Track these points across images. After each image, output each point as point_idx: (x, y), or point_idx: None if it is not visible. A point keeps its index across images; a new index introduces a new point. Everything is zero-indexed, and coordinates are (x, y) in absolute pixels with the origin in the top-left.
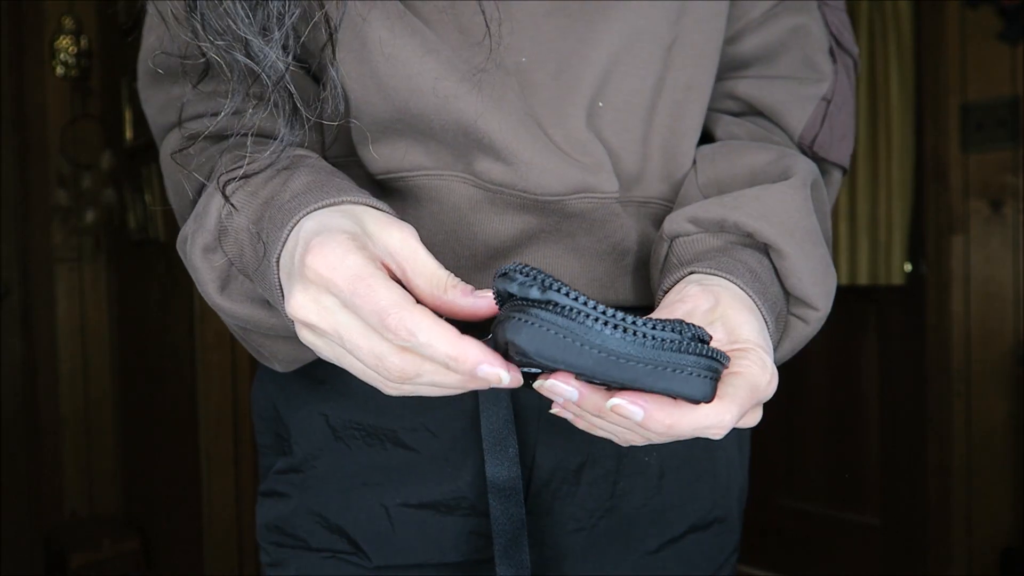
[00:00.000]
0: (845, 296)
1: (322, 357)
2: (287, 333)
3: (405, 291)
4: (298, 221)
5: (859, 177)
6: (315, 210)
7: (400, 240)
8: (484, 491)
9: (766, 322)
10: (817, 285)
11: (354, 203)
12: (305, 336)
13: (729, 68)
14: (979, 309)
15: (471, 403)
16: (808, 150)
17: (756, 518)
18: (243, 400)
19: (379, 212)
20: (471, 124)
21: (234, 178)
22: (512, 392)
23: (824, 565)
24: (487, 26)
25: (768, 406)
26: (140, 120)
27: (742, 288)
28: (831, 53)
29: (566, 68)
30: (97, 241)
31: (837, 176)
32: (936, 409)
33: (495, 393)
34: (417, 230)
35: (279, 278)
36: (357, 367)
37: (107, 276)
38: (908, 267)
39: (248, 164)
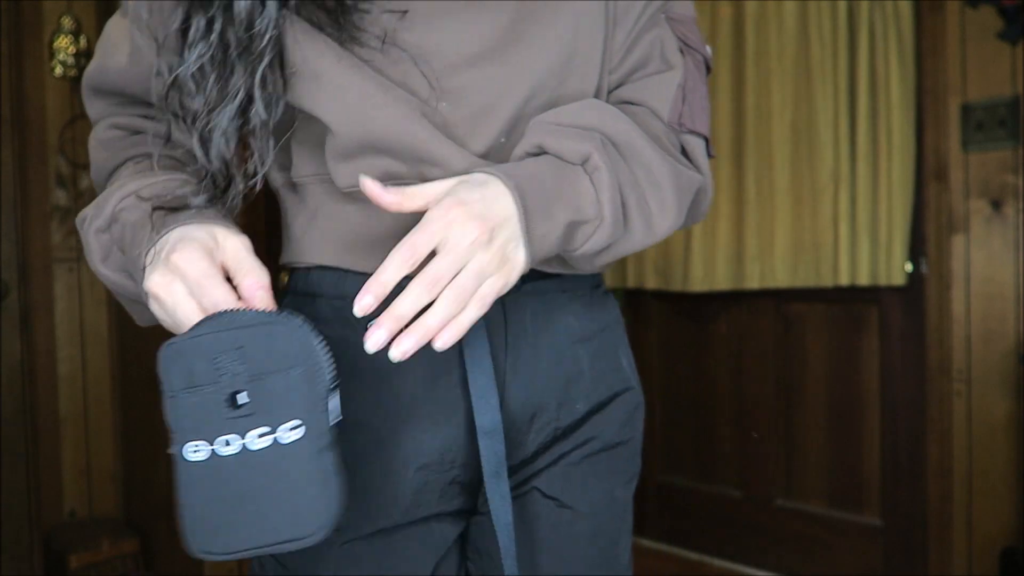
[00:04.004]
0: (845, 296)
1: (158, 318)
2: (143, 300)
3: (230, 289)
4: (169, 231)
5: (859, 177)
6: (182, 224)
7: (234, 247)
8: (462, 447)
9: (515, 197)
10: (575, 142)
11: (212, 223)
12: (152, 304)
13: (618, 83)
14: (980, 309)
15: (459, 372)
16: (677, 126)
17: (756, 518)
18: None
19: (226, 227)
20: (423, 147)
21: (161, 206)
22: (498, 362)
23: (824, 565)
24: (429, 84)
25: (768, 406)
26: None
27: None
28: (680, 51)
29: (487, 111)
30: None
31: (700, 143)
32: (936, 409)
33: (480, 356)
34: (379, 223)
35: (144, 264)
36: (176, 328)
37: None
38: (909, 267)
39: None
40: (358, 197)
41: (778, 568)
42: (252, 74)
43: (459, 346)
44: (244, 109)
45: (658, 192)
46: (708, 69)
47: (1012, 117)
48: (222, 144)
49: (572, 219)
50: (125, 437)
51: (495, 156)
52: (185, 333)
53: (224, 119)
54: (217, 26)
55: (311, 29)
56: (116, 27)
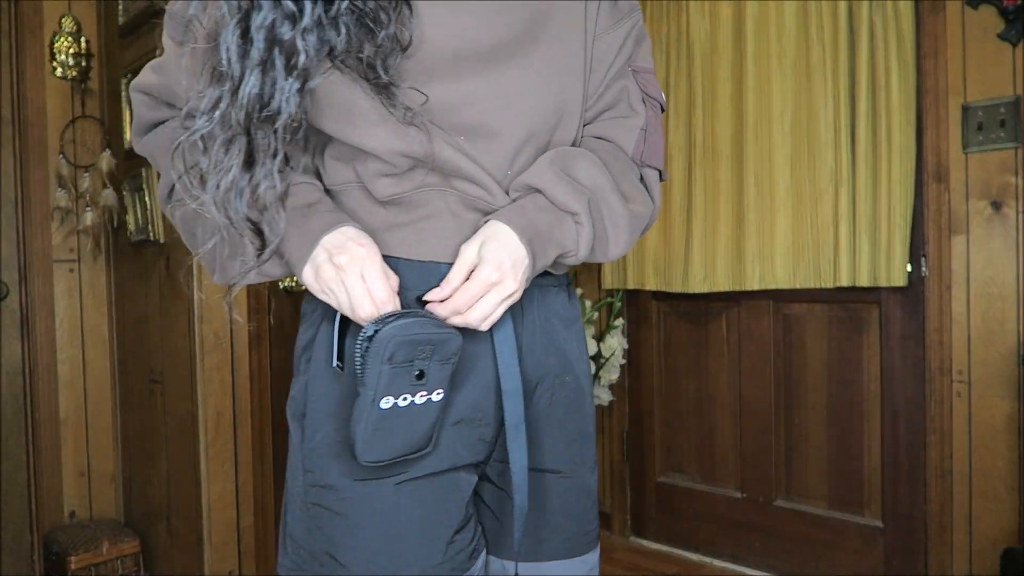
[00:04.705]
0: (845, 296)
1: (326, 281)
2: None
3: (385, 278)
4: (344, 224)
5: (859, 177)
6: (352, 225)
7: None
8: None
9: (525, 244)
10: (568, 197)
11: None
12: (326, 268)
13: (590, 120)
14: (980, 310)
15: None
16: (639, 161)
17: (756, 518)
18: (242, 402)
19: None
20: (451, 164)
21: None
22: (517, 339)
23: (824, 566)
24: (425, 135)
25: (768, 406)
26: None
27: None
28: (643, 100)
29: (495, 148)
30: (96, 242)
31: (655, 174)
32: (936, 409)
33: (506, 335)
34: (410, 215)
35: (321, 243)
36: (343, 295)
37: (106, 277)
38: (909, 268)
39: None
40: (393, 201)
41: (778, 569)
42: (251, 157)
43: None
44: (247, 178)
45: (616, 232)
46: (662, 110)
47: (1012, 118)
48: (229, 206)
49: (559, 253)
50: (125, 438)
51: (502, 184)
52: (397, 327)
53: (222, 189)
54: (222, 105)
55: (344, 74)
56: (178, 53)
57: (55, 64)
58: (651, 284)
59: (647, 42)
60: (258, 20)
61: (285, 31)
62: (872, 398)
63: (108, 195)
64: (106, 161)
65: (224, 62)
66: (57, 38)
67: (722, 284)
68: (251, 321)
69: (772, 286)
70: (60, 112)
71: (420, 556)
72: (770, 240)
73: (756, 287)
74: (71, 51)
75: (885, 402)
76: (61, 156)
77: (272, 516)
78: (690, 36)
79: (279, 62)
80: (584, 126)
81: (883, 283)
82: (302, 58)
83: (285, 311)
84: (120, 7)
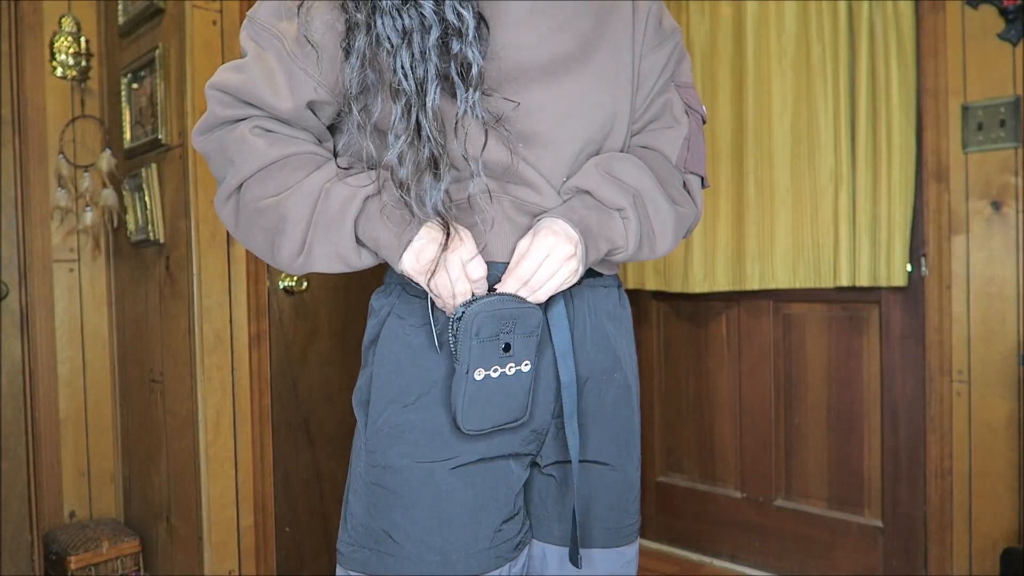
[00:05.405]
0: (845, 296)
1: (428, 262)
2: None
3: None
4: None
5: (859, 178)
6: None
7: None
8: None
9: (576, 229)
10: (614, 195)
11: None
12: (431, 253)
13: (637, 131)
14: (980, 309)
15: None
16: (682, 168)
17: (756, 518)
18: (242, 402)
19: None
20: (511, 169)
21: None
22: (572, 335)
23: (824, 565)
24: (509, 145)
25: (767, 405)
26: (140, 121)
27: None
28: (686, 112)
29: (552, 154)
30: (96, 242)
31: (698, 180)
32: (936, 409)
33: (562, 330)
34: (469, 219)
35: (424, 227)
36: (442, 275)
37: (106, 277)
38: (909, 268)
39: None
40: (461, 205)
41: (778, 569)
42: (437, 156)
43: (546, 324)
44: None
45: (663, 229)
46: (704, 121)
47: (1012, 117)
48: (435, 201)
49: (609, 248)
50: (125, 438)
51: (558, 189)
52: (482, 304)
53: (427, 186)
54: (414, 115)
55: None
56: (263, 56)
57: (55, 64)
58: (651, 284)
59: (688, 60)
60: (431, 39)
61: (454, 45)
62: (872, 398)
63: (108, 195)
64: (106, 161)
65: (401, 79)
66: (57, 38)
67: (722, 284)
68: (251, 321)
69: (772, 286)
70: (60, 112)
71: (468, 539)
72: (770, 240)
73: (756, 287)
74: (71, 51)
75: (885, 402)
76: (61, 156)
77: (272, 516)
78: (690, 36)
79: (455, 74)
80: (632, 136)
81: (883, 283)
82: (474, 69)
83: (285, 311)
84: (120, 7)
